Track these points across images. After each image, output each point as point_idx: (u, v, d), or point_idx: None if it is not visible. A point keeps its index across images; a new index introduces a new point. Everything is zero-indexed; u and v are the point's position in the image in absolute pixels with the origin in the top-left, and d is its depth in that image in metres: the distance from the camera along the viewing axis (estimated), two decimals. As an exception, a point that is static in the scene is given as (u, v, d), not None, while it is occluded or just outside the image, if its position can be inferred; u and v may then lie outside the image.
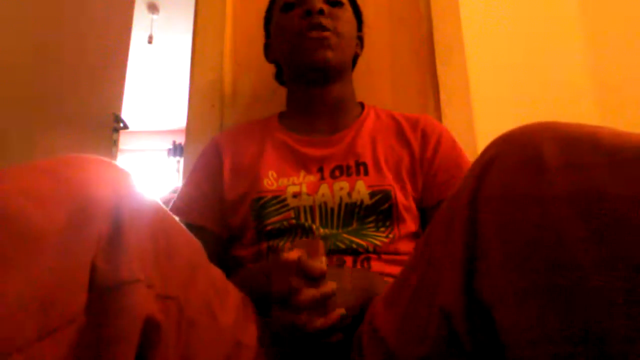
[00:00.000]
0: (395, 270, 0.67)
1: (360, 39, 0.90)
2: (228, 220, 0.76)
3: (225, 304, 0.50)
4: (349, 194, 0.71)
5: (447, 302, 0.35)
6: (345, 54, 0.80)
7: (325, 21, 0.76)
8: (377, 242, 0.68)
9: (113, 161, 0.39)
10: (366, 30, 0.92)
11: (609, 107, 1.13)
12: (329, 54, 0.76)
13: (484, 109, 1.07)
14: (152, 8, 3.00)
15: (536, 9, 1.20)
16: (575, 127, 0.32)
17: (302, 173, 0.75)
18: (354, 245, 0.67)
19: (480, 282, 0.33)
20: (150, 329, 0.36)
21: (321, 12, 0.76)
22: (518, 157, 0.32)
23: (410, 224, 0.72)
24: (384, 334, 0.45)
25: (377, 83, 1.09)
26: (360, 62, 0.98)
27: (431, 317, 0.37)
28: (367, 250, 0.67)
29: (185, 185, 0.82)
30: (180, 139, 4.33)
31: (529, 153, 0.32)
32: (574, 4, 1.21)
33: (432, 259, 0.40)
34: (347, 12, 0.82)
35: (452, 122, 1.03)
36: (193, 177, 0.82)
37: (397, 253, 0.69)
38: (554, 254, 0.29)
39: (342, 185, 0.72)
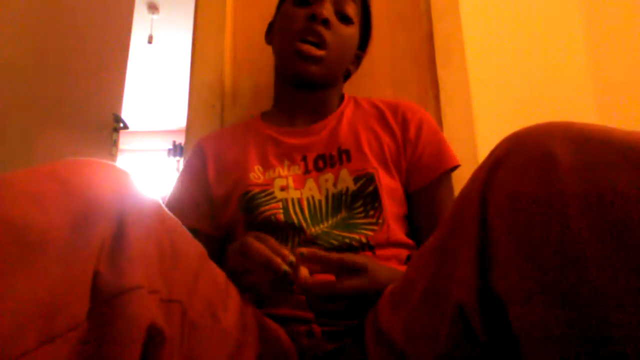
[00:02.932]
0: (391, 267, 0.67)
1: (359, 58, 0.89)
2: (218, 218, 0.77)
3: (228, 305, 0.50)
4: (334, 185, 0.72)
5: (462, 298, 0.35)
6: (333, 70, 0.80)
7: (323, 32, 0.75)
8: (369, 232, 0.68)
9: (114, 163, 0.38)
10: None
11: (609, 107, 1.13)
12: (315, 70, 0.75)
13: (484, 109, 1.07)
14: (152, 8, 3.00)
15: (536, 9, 1.20)
16: (586, 126, 0.32)
17: (286, 163, 0.76)
18: (347, 240, 0.68)
19: (494, 277, 0.33)
20: (154, 335, 0.36)
21: (325, 22, 0.75)
22: (529, 155, 0.32)
23: (398, 206, 0.73)
24: (390, 334, 0.45)
25: (377, 83, 1.09)
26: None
27: (445, 314, 0.37)
28: (361, 244, 0.68)
29: (174, 189, 0.83)
30: (180, 139, 4.33)
31: (541, 151, 0.32)
32: (574, 3, 1.21)
33: (444, 256, 0.40)
34: (351, 30, 0.80)
35: (452, 122, 1.03)
36: (181, 181, 0.83)
37: (389, 243, 0.69)
38: (564, 252, 0.29)
39: (327, 177, 0.73)
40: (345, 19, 0.79)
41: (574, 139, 0.31)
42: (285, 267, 0.51)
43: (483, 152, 1.00)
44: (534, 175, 0.31)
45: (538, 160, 0.32)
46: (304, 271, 0.54)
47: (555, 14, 1.20)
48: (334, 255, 0.55)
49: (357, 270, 0.54)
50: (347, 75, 0.90)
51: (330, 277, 0.56)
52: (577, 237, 0.28)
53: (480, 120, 1.05)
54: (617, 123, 1.15)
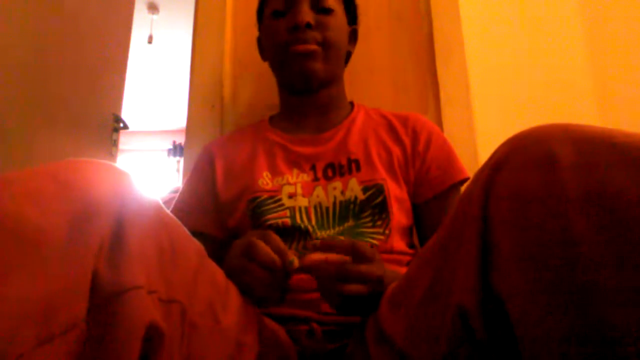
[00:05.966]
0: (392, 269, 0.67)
1: (354, 32, 0.88)
2: (226, 222, 0.77)
3: (227, 305, 0.50)
4: (342, 192, 0.72)
5: (463, 298, 0.35)
6: (334, 62, 0.80)
7: (312, 35, 0.75)
8: (375, 242, 0.69)
9: (114, 163, 0.38)
10: (366, 30, 0.92)
11: (609, 107, 1.13)
12: (317, 67, 0.75)
13: (484, 109, 1.07)
14: (152, 8, 3.00)
15: (536, 9, 1.20)
16: (587, 128, 0.32)
17: (295, 171, 0.76)
18: None
19: (495, 278, 0.33)
20: (153, 335, 0.36)
21: (308, 26, 0.74)
22: (531, 156, 0.33)
23: (404, 218, 0.73)
24: (392, 335, 0.45)
25: (377, 83, 1.09)
26: (361, 62, 0.98)
27: (446, 315, 0.37)
28: None
29: (182, 193, 0.83)
30: (180, 139, 4.34)
31: (542, 152, 0.32)
32: (574, 4, 1.21)
33: (445, 257, 0.40)
34: (336, 18, 0.79)
35: (452, 122, 1.03)
36: (189, 185, 0.83)
37: (391, 251, 0.69)
38: (565, 253, 0.29)
39: (335, 185, 0.73)
40: (325, 10, 0.77)
41: (575, 140, 0.31)
42: (293, 257, 0.53)
43: (483, 152, 1.00)
44: (535, 175, 0.32)
45: (539, 161, 0.32)
46: (316, 255, 0.55)
47: (556, 14, 1.20)
48: (347, 240, 0.54)
49: (368, 259, 0.55)
50: (348, 57, 0.88)
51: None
52: (578, 237, 0.29)
53: (480, 120, 1.05)
54: (617, 122, 1.15)
